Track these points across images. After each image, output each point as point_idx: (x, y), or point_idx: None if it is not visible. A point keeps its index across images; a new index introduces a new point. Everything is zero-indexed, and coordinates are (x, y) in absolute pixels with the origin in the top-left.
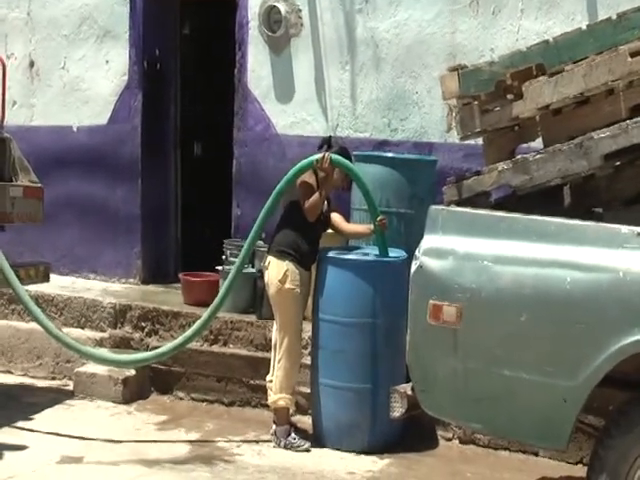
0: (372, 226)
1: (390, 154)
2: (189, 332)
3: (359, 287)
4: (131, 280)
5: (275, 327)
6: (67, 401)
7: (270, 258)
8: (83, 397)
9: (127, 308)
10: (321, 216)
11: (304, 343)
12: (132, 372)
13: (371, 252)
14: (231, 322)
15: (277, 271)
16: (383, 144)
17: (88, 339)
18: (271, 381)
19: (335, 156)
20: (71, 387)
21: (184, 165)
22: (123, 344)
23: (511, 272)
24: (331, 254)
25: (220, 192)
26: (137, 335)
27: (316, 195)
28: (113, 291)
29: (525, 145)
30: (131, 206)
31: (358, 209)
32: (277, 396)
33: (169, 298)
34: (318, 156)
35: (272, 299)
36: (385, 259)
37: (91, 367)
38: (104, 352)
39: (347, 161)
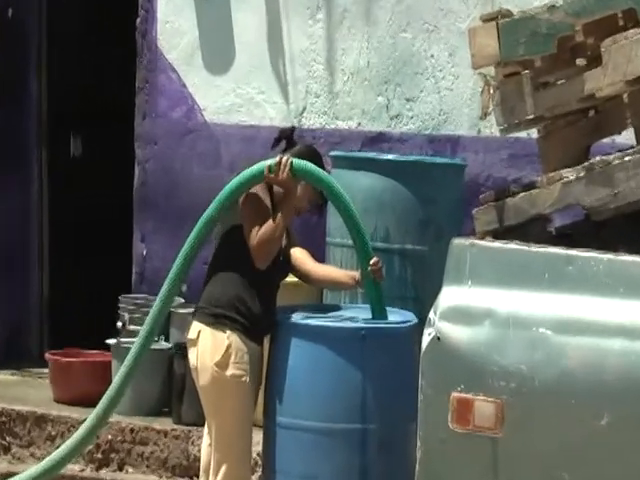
0: (359, 273)
1: (390, 156)
2: (63, 449)
3: (341, 373)
4: None
5: (206, 439)
6: None
7: (199, 326)
8: None
9: None
10: (279, 256)
11: (254, 464)
12: None
13: (359, 315)
14: (132, 431)
15: (212, 348)
16: (379, 140)
17: None
18: None
19: (299, 161)
20: None
21: (54, 173)
22: None
23: (585, 346)
24: (296, 318)
25: (114, 218)
26: None
27: (269, 225)
28: None
29: (606, 140)
30: None
31: (338, 244)
32: None
33: (29, 393)
34: (272, 161)
35: (203, 393)
36: (381, 326)
37: None
38: None
39: (318, 168)
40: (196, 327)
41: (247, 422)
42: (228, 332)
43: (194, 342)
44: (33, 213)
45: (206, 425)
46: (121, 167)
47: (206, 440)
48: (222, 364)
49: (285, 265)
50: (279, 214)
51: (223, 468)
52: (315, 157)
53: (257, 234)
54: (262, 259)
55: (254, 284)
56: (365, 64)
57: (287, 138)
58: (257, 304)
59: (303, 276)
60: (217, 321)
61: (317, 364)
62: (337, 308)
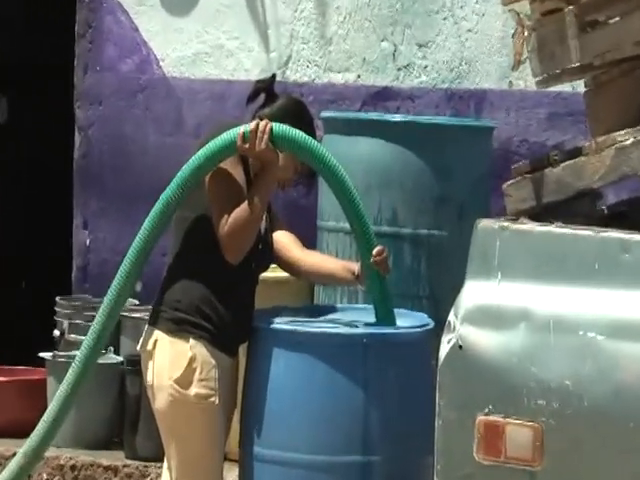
0: (360, 265)
1: (398, 117)
2: None
3: (337, 392)
4: None
5: (166, 476)
6: None
7: (156, 334)
8: None
9: None
10: (258, 244)
11: None
12: None
13: (360, 318)
14: (73, 468)
15: (171, 361)
16: (384, 96)
17: None
18: None
19: (281, 127)
20: None
21: None
22: None
23: None
24: (279, 323)
25: (49, 199)
26: None
27: (242, 209)
28: None
29: None
30: None
31: (332, 229)
32: None
33: None
34: (247, 127)
35: (160, 418)
36: (388, 332)
37: None
38: None
39: (305, 135)
40: (152, 336)
41: (216, 455)
42: (192, 341)
43: (150, 354)
44: None
45: (165, 459)
46: (57, 135)
47: (166, 476)
48: (184, 381)
49: (266, 254)
50: (255, 194)
51: None
52: (302, 114)
53: (228, 221)
54: (234, 252)
55: (225, 281)
56: (366, 0)
57: (266, 91)
58: (229, 306)
59: (289, 267)
60: (178, 328)
61: (307, 381)
62: (332, 310)
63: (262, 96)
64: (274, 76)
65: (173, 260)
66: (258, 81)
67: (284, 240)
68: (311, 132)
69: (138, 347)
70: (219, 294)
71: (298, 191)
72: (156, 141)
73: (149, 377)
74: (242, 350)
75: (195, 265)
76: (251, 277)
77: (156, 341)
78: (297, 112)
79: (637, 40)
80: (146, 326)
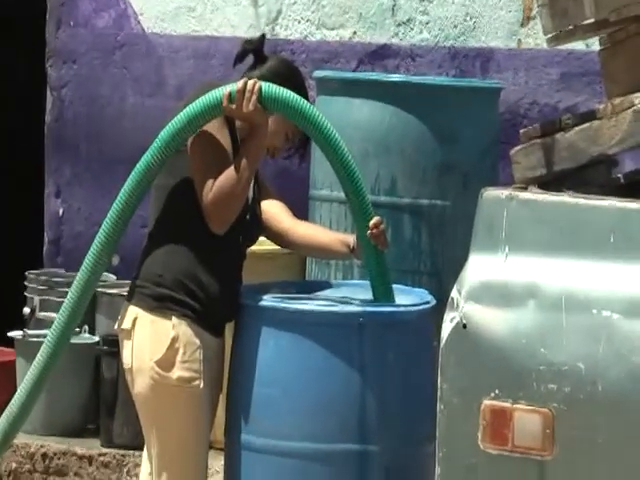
0: (355, 238)
1: (397, 77)
2: None
3: (332, 375)
4: None
5: (146, 466)
6: None
7: (135, 312)
8: None
9: None
10: (245, 214)
11: None
12: None
13: (356, 295)
14: (44, 457)
15: (152, 341)
16: (382, 55)
17: None
18: None
19: (271, 87)
20: None
21: None
22: None
23: None
24: (269, 301)
25: (18, 166)
26: None
27: (228, 175)
28: None
29: None
30: None
31: (326, 199)
32: None
33: None
34: (233, 87)
35: (140, 403)
36: (386, 311)
37: None
38: None
39: (297, 96)
40: (131, 313)
41: (201, 443)
42: (174, 320)
43: (128, 334)
44: None
45: (145, 447)
46: (28, 95)
47: (146, 467)
48: (166, 363)
49: (253, 226)
50: (243, 160)
51: None
52: (294, 76)
53: (212, 188)
54: (220, 222)
55: (210, 254)
56: None
57: (255, 51)
58: (214, 281)
59: (278, 239)
60: (160, 305)
61: (298, 363)
62: (326, 286)
63: (250, 57)
64: (263, 36)
65: (153, 231)
66: (246, 41)
67: (273, 210)
68: (303, 95)
69: (115, 326)
70: (204, 268)
71: (289, 158)
72: (135, 103)
73: (127, 359)
74: (229, 330)
75: (178, 237)
76: (238, 251)
77: (135, 319)
78: (288, 74)
79: None
80: (124, 303)
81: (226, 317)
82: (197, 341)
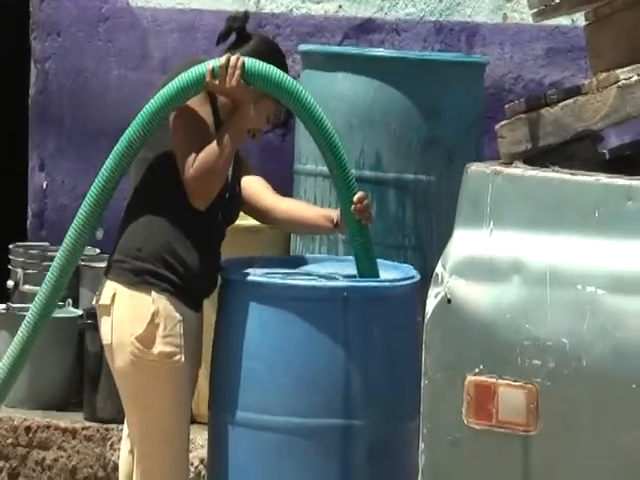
0: (339, 213)
1: (382, 51)
2: None
3: (316, 350)
4: None
5: (126, 443)
6: None
7: (114, 287)
8: None
9: None
10: (225, 191)
11: (192, 477)
12: None
13: (340, 270)
14: (28, 430)
15: (131, 316)
16: (367, 29)
17: None
18: None
19: (254, 62)
20: None
21: None
22: None
23: None
24: (251, 275)
25: (1, 138)
26: None
27: (210, 150)
28: None
29: None
30: None
31: (310, 173)
32: None
33: None
34: (217, 62)
35: (120, 379)
36: (370, 286)
37: None
38: None
39: (280, 70)
40: (110, 288)
41: (183, 418)
42: (154, 294)
43: (107, 309)
44: None
45: (125, 423)
46: (10, 68)
47: (126, 445)
48: (146, 338)
49: (233, 202)
50: (225, 135)
51: (148, 473)
52: (276, 56)
53: (194, 163)
54: (201, 197)
55: (189, 230)
56: None
57: (238, 29)
58: (194, 256)
59: (261, 216)
60: (139, 279)
61: (282, 338)
62: (310, 261)
63: (233, 35)
64: (247, 14)
65: (132, 204)
66: (230, 18)
67: (255, 186)
68: (285, 69)
69: (93, 302)
70: (183, 243)
71: (274, 133)
72: (119, 76)
73: (107, 335)
74: (207, 305)
75: (157, 210)
76: (217, 228)
77: (114, 295)
78: (270, 53)
79: None
80: (104, 278)
81: (205, 292)
82: (177, 315)
